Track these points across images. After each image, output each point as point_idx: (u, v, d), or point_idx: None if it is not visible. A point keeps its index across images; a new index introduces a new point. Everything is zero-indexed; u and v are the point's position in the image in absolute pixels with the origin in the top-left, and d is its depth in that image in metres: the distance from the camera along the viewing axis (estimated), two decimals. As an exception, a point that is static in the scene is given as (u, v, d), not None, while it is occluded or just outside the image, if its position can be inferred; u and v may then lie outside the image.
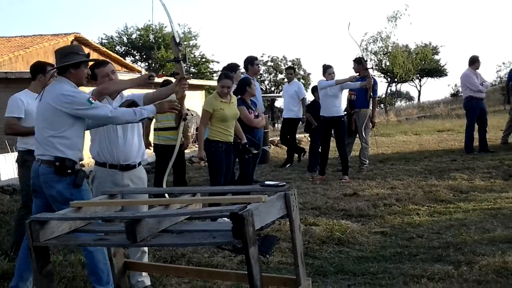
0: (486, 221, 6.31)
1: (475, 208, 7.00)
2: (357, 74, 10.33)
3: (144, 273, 4.59)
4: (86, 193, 4.35)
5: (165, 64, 41.98)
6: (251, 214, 2.73)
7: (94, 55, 27.55)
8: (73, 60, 4.26)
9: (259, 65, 10.14)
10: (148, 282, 4.62)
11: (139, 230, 2.81)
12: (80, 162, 4.45)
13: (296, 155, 12.20)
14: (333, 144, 9.98)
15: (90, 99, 4.15)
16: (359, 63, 10.47)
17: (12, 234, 5.97)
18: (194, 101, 23.18)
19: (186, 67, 4.45)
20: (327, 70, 9.59)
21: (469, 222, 6.31)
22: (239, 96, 7.78)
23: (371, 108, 10.51)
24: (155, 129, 8.54)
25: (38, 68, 5.73)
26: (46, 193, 4.24)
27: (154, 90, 4.90)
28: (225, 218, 3.56)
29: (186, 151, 11.84)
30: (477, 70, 12.08)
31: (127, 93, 4.77)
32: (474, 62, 12.07)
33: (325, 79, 9.57)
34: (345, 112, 10.32)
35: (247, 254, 2.72)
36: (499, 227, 6.01)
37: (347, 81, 9.46)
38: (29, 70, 5.86)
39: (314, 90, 11.04)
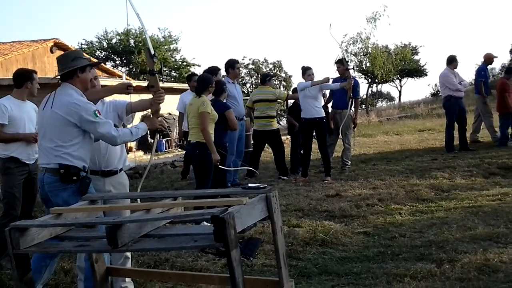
0: (468, 219, 6.36)
1: (456, 207, 7.05)
2: (338, 76, 10.42)
3: (127, 279, 4.56)
4: None
5: (146, 69, 41.74)
6: (232, 217, 2.73)
7: (74, 61, 27.31)
8: (80, 64, 4.23)
9: (240, 68, 10.15)
10: (131, 287, 4.59)
11: (120, 235, 2.79)
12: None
13: None
14: (315, 145, 10.02)
15: (96, 112, 4.10)
16: (342, 63, 10.52)
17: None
18: (175, 105, 23.09)
19: (161, 80, 4.42)
20: (306, 71, 9.63)
21: (451, 221, 6.36)
22: (225, 100, 7.85)
23: (352, 109, 10.55)
24: (254, 117, 10.49)
25: (26, 76, 5.69)
26: (53, 201, 4.17)
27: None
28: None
29: (168, 155, 11.82)
30: (455, 70, 12.20)
31: (109, 99, 4.75)
32: (451, 61, 12.19)
33: (304, 80, 9.61)
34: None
35: (229, 257, 2.72)
36: (480, 225, 6.05)
37: (322, 82, 9.48)
38: (9, 77, 5.85)
39: (294, 92, 11.07)
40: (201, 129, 6.99)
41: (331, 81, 10.42)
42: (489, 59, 13.00)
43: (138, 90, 5.02)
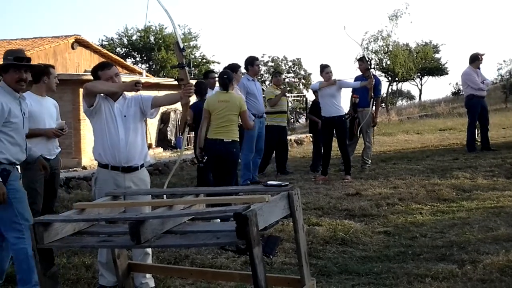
0: (489, 220, 6.30)
1: (478, 207, 6.98)
2: (360, 74, 10.43)
3: (148, 275, 4.57)
4: (13, 192, 4.39)
5: (166, 65, 41.98)
6: (254, 214, 2.73)
7: (95, 57, 27.58)
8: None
9: (260, 66, 10.16)
10: (152, 283, 4.60)
11: (143, 231, 2.81)
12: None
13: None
14: (335, 144, 9.98)
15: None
16: (364, 61, 10.48)
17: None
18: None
19: (190, 73, 4.40)
20: (324, 69, 9.59)
21: (472, 221, 6.30)
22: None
23: (373, 107, 10.50)
24: (266, 113, 10.36)
25: (42, 71, 5.74)
26: None
27: (167, 93, 4.89)
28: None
29: (187, 152, 11.83)
30: (477, 68, 12.07)
31: (131, 93, 4.76)
32: (474, 60, 12.05)
33: (322, 78, 9.59)
34: (348, 116, 10.22)
35: (251, 254, 2.72)
36: (503, 226, 5.99)
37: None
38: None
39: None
40: (248, 127, 7.43)
41: (351, 80, 10.40)
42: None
43: (147, 86, 5.03)
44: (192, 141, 19.71)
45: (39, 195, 5.62)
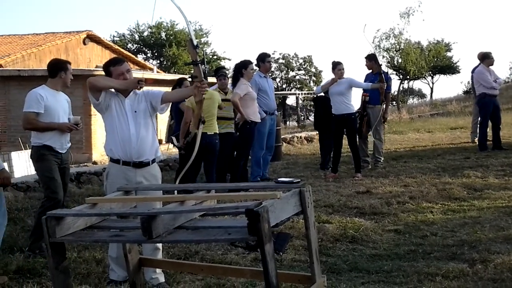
0: (501, 219, 6.27)
1: (489, 206, 6.95)
2: (370, 72, 10.41)
3: (158, 270, 4.59)
4: None
5: (177, 62, 42.04)
6: (266, 211, 2.73)
7: (106, 53, 27.70)
8: None
9: (271, 62, 10.13)
10: (162, 279, 4.61)
11: (155, 226, 2.81)
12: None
13: None
14: (345, 141, 9.97)
15: None
16: (371, 59, 10.45)
17: (26, 231, 6.00)
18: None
19: (205, 70, 4.35)
20: (336, 66, 9.53)
21: (484, 220, 6.27)
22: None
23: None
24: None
25: (60, 66, 5.77)
26: None
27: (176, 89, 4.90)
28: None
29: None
30: (490, 67, 11.99)
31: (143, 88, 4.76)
32: (486, 58, 11.96)
33: (334, 75, 9.56)
34: (358, 114, 10.17)
35: (263, 251, 2.72)
36: (514, 225, 5.96)
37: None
38: (42, 68, 5.91)
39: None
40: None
41: (362, 78, 10.38)
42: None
43: (150, 83, 5.04)
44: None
45: (57, 183, 5.58)
